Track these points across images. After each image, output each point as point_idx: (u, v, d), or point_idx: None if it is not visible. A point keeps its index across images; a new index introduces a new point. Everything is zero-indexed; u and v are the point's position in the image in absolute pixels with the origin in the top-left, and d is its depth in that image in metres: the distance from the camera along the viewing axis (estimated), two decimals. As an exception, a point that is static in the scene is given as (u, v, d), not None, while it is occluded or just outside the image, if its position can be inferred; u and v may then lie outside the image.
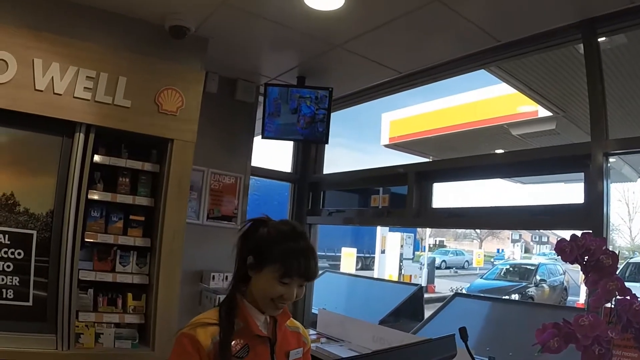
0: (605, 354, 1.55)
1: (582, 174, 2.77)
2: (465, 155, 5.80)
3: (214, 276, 3.76)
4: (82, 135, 2.98)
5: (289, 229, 1.59)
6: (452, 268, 27.19)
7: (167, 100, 3.15)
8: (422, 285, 15.43)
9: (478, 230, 38.51)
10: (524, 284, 13.84)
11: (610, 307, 1.67)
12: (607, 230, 2.57)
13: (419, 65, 3.66)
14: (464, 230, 38.09)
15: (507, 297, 12.23)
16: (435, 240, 39.74)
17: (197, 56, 3.33)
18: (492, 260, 27.99)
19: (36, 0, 2.91)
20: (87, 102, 2.94)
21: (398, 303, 4.62)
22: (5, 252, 2.84)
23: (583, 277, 1.71)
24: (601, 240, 1.64)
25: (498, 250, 35.03)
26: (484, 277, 15.83)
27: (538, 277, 14.18)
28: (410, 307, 4.70)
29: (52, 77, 2.85)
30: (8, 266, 2.84)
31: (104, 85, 2.98)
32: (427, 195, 3.70)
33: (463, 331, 1.92)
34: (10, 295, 2.84)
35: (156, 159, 3.28)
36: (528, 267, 15.30)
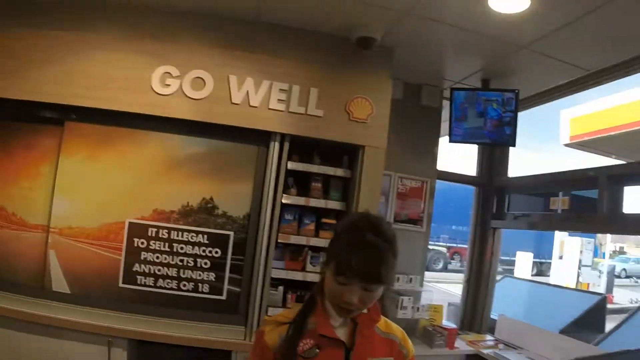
0: None
1: None
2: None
3: (398, 278, 3.79)
4: (277, 144, 3.23)
5: (351, 221, 1.41)
6: (632, 277, 24.10)
7: (358, 108, 3.27)
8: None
9: (665, 237, 33.31)
10: None
11: None
12: None
13: (608, 62, 3.37)
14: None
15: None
16: (615, 246, 35.29)
17: (383, 65, 3.39)
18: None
19: (225, 21, 3.21)
20: (281, 113, 3.18)
21: (580, 313, 4.39)
22: (204, 251, 3.19)
23: None
24: None
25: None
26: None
27: None
28: (591, 318, 4.42)
29: (247, 91, 3.13)
30: (205, 263, 3.19)
31: (296, 96, 3.19)
32: (618, 199, 3.40)
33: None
34: (206, 290, 3.19)
35: (347, 165, 3.40)
36: None
